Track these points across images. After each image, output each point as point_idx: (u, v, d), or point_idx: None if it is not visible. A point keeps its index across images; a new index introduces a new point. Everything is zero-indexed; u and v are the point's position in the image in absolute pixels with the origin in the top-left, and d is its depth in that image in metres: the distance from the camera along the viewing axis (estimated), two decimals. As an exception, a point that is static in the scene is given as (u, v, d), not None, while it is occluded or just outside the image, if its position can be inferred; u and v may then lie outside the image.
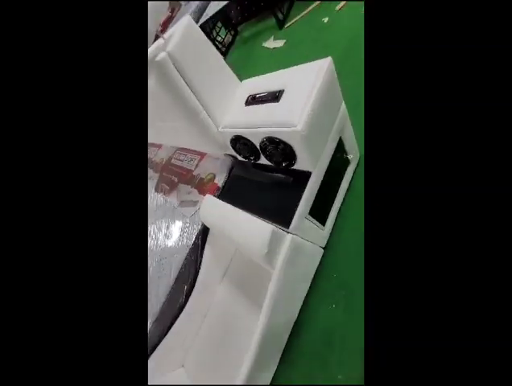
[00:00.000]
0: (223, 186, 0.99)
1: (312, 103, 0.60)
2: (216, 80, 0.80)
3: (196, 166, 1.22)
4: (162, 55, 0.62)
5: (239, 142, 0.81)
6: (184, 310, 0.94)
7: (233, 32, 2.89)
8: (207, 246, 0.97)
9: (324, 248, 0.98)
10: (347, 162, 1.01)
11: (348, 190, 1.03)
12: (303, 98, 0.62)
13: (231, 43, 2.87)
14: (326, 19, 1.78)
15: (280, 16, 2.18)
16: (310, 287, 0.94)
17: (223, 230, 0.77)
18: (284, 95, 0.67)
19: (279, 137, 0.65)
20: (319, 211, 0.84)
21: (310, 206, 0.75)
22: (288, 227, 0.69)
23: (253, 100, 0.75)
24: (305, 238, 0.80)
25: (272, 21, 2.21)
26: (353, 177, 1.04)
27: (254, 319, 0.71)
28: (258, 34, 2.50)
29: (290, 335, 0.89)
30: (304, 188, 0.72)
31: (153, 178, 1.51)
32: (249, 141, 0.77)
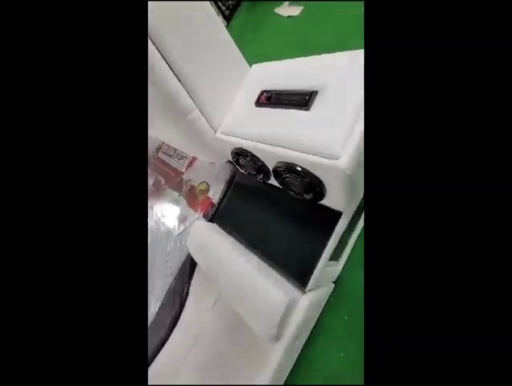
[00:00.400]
0: (219, 204, 0.78)
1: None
2: (215, 61, 0.55)
3: (188, 167, 0.99)
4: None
5: (243, 157, 0.59)
6: (169, 342, 0.80)
7: (238, -8, 2.40)
8: (195, 275, 0.79)
9: (333, 282, 0.83)
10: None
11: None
12: (350, 114, 0.39)
13: (236, 4, 2.40)
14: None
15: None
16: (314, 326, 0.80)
17: (216, 277, 0.58)
18: (318, 100, 0.44)
19: (305, 167, 0.44)
20: (336, 249, 0.66)
21: (332, 252, 0.57)
22: (305, 287, 0.51)
23: (268, 100, 0.52)
24: (320, 284, 0.63)
25: (288, -19, 1.79)
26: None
27: (244, 363, 0.57)
28: (270, -2, 2.06)
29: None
30: (331, 232, 0.53)
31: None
32: (257, 158, 0.55)
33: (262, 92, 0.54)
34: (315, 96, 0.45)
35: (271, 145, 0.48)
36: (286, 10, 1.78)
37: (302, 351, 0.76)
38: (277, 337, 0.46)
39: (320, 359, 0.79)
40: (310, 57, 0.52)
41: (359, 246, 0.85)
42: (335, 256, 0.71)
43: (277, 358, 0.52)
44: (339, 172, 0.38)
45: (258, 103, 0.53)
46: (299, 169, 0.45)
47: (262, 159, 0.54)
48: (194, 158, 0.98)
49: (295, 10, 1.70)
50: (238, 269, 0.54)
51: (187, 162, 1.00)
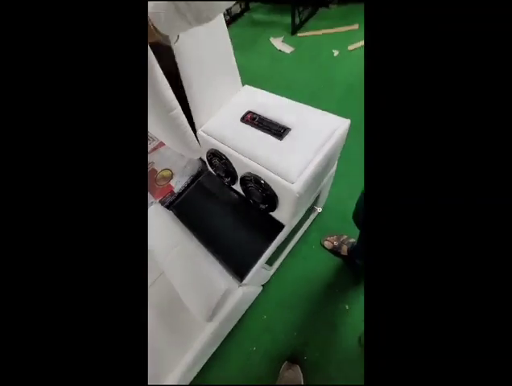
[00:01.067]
0: (179, 194, 0.81)
1: (316, 164, 0.53)
2: (216, 70, 0.62)
3: (153, 149, 0.97)
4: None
5: (217, 158, 0.66)
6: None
7: (243, 5, 2.55)
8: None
9: (262, 285, 0.95)
10: (310, 212, 1.01)
11: (302, 235, 1.04)
12: (309, 153, 0.54)
13: (238, 15, 2.53)
14: (336, 52, 1.78)
15: (297, 20, 2.04)
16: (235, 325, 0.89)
17: (164, 256, 0.61)
18: (289, 135, 0.57)
19: (268, 182, 0.55)
20: (272, 256, 0.79)
21: (269, 257, 0.69)
22: (241, 281, 0.61)
23: (252, 119, 0.62)
24: (251, 283, 0.74)
25: (288, 20, 2.06)
26: (310, 225, 1.06)
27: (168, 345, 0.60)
28: (269, 25, 2.29)
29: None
30: (273, 240, 0.65)
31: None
32: (230, 164, 0.64)
33: (249, 112, 0.64)
34: (288, 131, 0.58)
35: (246, 157, 0.57)
36: (279, 44, 2.01)
37: (221, 343, 0.84)
38: (210, 317, 0.53)
39: (235, 351, 0.88)
40: (293, 102, 0.66)
41: (289, 258, 1.02)
42: (271, 261, 0.85)
43: (204, 338, 0.58)
44: (291, 193, 0.51)
45: (243, 119, 0.63)
46: (263, 182, 0.56)
47: (234, 165, 0.63)
48: (162, 144, 0.97)
49: (287, 49, 1.95)
50: (188, 253, 0.59)
51: (154, 145, 0.98)
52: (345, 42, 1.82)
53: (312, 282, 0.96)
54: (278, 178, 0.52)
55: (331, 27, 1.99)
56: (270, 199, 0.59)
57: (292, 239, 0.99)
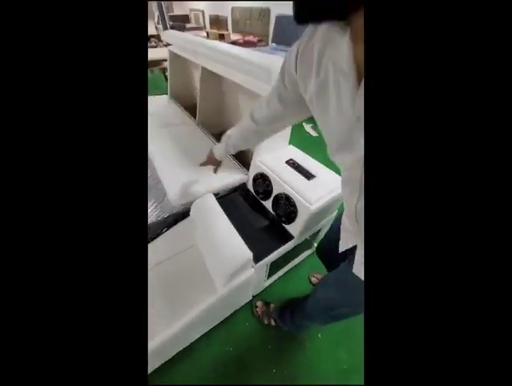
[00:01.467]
0: (226, 194, 1.10)
1: (326, 201, 0.85)
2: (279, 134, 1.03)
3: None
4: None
5: (262, 179, 0.99)
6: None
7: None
8: (181, 224, 1.01)
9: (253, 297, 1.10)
10: (307, 247, 1.26)
11: (295, 266, 1.24)
12: (323, 192, 0.86)
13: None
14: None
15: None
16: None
17: (205, 228, 0.85)
18: (314, 180, 0.91)
19: (295, 201, 0.86)
20: (273, 266, 1.00)
21: (274, 259, 0.92)
22: (256, 263, 0.82)
23: (292, 164, 0.98)
24: (255, 277, 0.93)
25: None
26: (304, 260, 1.28)
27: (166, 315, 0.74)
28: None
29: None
30: (284, 244, 0.90)
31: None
32: (271, 185, 0.96)
33: (291, 159, 1.01)
34: (313, 177, 0.92)
35: (284, 182, 0.90)
36: (309, 129, 2.70)
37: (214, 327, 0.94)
38: (224, 283, 0.73)
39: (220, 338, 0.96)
40: (319, 163, 1.03)
41: (281, 281, 1.19)
42: (269, 273, 1.04)
43: (213, 300, 0.75)
44: (308, 210, 0.81)
45: (287, 162, 0.99)
46: (292, 200, 0.87)
47: (273, 186, 0.95)
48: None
49: (313, 133, 2.61)
50: (225, 225, 0.84)
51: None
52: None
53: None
54: (302, 199, 0.83)
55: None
56: (292, 213, 0.88)
57: (287, 265, 1.19)
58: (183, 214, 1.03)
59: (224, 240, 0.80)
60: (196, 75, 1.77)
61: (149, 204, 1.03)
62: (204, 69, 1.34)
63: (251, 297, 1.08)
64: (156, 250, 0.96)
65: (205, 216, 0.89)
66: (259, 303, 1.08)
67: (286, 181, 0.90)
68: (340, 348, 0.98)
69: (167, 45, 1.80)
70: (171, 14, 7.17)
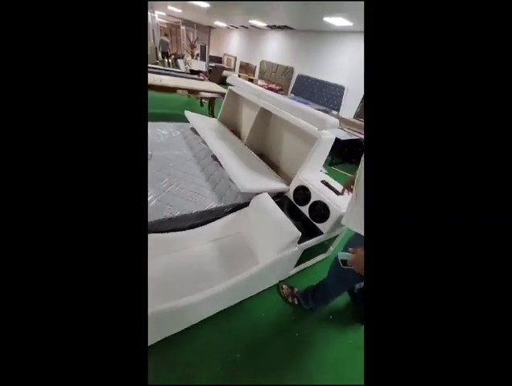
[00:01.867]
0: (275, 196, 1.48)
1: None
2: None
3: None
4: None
5: (302, 190, 1.39)
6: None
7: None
8: (238, 212, 1.34)
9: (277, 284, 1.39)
10: (324, 250, 1.60)
11: (312, 265, 1.56)
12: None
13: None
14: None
15: (333, 161, 3.38)
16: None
17: (265, 215, 1.20)
18: (340, 196, 1.32)
19: (329, 206, 1.24)
20: (302, 256, 1.33)
21: (309, 247, 1.26)
22: (299, 244, 1.17)
23: (326, 184, 1.40)
24: (290, 260, 1.25)
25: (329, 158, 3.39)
26: (320, 261, 1.60)
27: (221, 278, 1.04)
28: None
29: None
30: (316, 236, 1.25)
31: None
32: (309, 195, 1.35)
33: (324, 180, 1.43)
34: (340, 194, 1.33)
35: (321, 193, 1.30)
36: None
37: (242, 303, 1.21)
38: (278, 251, 1.06)
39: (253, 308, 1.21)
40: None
41: (301, 274, 1.48)
42: (298, 261, 1.36)
43: (262, 266, 1.06)
44: (338, 213, 1.19)
45: (322, 182, 1.41)
46: (327, 206, 1.25)
47: (311, 195, 1.34)
48: (261, 174, 1.74)
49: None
50: (280, 214, 1.19)
51: (256, 172, 1.74)
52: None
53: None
54: (334, 205, 1.22)
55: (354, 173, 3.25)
56: (325, 215, 1.25)
57: (309, 260, 1.51)
58: (239, 205, 1.38)
59: (280, 222, 1.15)
60: (245, 110, 2.30)
61: (212, 195, 1.38)
62: (261, 109, 1.85)
63: (278, 281, 1.37)
64: (213, 229, 1.29)
65: (263, 207, 1.25)
66: (285, 286, 1.36)
67: (321, 192, 1.30)
68: (346, 328, 1.25)
69: (210, 80, 2.37)
70: (210, 54, 8.46)
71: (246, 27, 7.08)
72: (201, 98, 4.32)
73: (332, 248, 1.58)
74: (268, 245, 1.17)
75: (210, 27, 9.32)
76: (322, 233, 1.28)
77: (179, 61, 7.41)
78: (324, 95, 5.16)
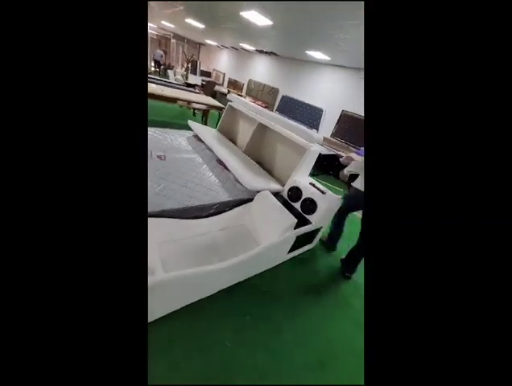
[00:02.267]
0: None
1: (331, 205, 1.61)
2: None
3: (254, 177, 2.03)
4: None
5: (295, 190, 1.73)
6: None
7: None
8: (242, 207, 1.62)
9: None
10: (308, 242, 1.93)
11: (300, 254, 1.88)
12: (331, 201, 1.63)
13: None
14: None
15: (315, 172, 3.86)
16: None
17: (266, 207, 1.51)
18: (325, 195, 1.68)
19: (316, 201, 1.59)
20: (294, 244, 1.64)
21: (300, 234, 1.58)
22: (294, 230, 1.48)
23: (313, 185, 1.76)
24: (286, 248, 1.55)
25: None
26: (308, 250, 1.93)
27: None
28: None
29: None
30: (306, 225, 1.59)
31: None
32: (301, 192, 1.70)
33: (311, 182, 1.80)
34: (325, 193, 1.70)
35: (310, 191, 1.65)
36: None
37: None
38: (280, 235, 1.36)
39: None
40: (326, 188, 1.84)
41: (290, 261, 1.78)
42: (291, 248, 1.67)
43: (259, 249, 1.35)
44: (323, 206, 1.55)
45: (310, 184, 1.77)
46: (315, 201, 1.60)
47: (303, 192, 1.69)
48: (259, 177, 2.06)
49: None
50: (278, 206, 1.51)
51: (254, 175, 2.06)
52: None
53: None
54: (321, 201, 1.57)
55: (332, 184, 3.73)
56: (313, 209, 1.60)
57: (297, 250, 1.82)
58: (244, 200, 1.66)
59: (280, 212, 1.46)
60: (242, 123, 2.65)
61: (222, 190, 1.65)
62: (259, 124, 2.21)
63: (276, 264, 1.65)
64: (222, 219, 1.55)
65: (266, 201, 1.56)
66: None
67: (311, 191, 1.66)
68: (351, 298, 1.57)
69: (204, 93, 2.72)
70: (201, 68, 8.88)
71: (236, 48, 7.68)
72: (194, 109, 4.61)
73: (316, 240, 1.92)
74: (269, 230, 1.47)
75: (200, 44, 9.84)
76: (311, 223, 1.62)
77: (169, 72, 7.70)
78: (306, 115, 5.81)
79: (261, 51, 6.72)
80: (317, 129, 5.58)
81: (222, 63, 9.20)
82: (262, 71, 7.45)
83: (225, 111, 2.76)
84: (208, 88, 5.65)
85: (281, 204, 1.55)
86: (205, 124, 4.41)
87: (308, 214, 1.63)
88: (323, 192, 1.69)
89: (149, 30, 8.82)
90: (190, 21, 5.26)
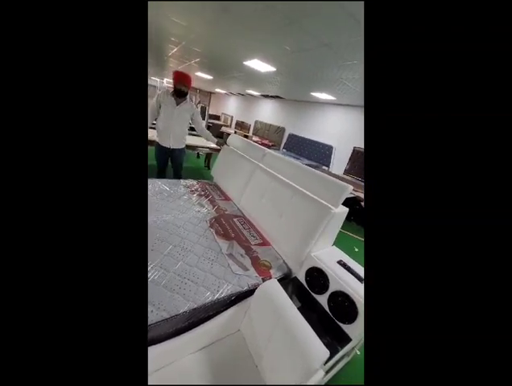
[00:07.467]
0: (279, 279, 1.19)
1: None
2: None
3: (258, 245, 1.47)
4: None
5: (316, 273, 1.13)
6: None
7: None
8: (237, 306, 1.02)
9: None
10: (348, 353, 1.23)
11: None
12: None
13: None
14: (357, 249, 2.67)
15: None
16: None
17: (278, 317, 0.90)
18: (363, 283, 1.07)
19: (356, 304, 0.97)
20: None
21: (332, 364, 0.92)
22: (325, 364, 0.83)
23: (343, 265, 1.17)
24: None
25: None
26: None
27: None
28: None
29: None
30: (342, 346, 0.93)
31: (207, 210, 1.73)
32: (327, 279, 1.09)
33: (341, 260, 1.20)
34: (363, 280, 1.08)
35: (340, 279, 1.04)
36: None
37: None
38: (302, 378, 0.73)
39: None
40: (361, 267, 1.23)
41: None
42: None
43: None
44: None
45: (338, 262, 1.18)
46: (351, 298, 0.98)
47: (330, 281, 1.08)
48: (266, 243, 1.49)
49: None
50: (296, 317, 0.89)
51: (257, 242, 1.50)
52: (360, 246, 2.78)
53: None
54: (362, 301, 0.95)
55: (354, 233, 3.08)
56: (351, 313, 0.97)
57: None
58: (240, 296, 1.08)
59: (302, 335, 0.82)
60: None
61: (223, 285, 1.09)
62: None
63: None
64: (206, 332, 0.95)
65: (273, 301, 0.96)
66: None
67: (343, 280, 1.05)
68: None
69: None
70: (209, 113, 9.37)
71: (243, 94, 8.08)
72: (198, 152, 4.47)
73: (358, 351, 1.22)
74: (281, 364, 0.83)
75: (211, 92, 10.65)
76: (349, 338, 0.97)
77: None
78: (315, 152, 5.50)
79: (266, 96, 6.92)
80: (328, 166, 5.20)
81: (230, 108, 9.68)
82: (267, 112, 7.61)
83: (221, 152, 2.44)
84: (214, 130, 5.65)
85: (299, 313, 0.92)
86: (207, 166, 4.44)
87: (343, 321, 1.00)
88: (361, 279, 1.09)
89: (165, 84, 9.71)
90: (199, 74, 5.56)
